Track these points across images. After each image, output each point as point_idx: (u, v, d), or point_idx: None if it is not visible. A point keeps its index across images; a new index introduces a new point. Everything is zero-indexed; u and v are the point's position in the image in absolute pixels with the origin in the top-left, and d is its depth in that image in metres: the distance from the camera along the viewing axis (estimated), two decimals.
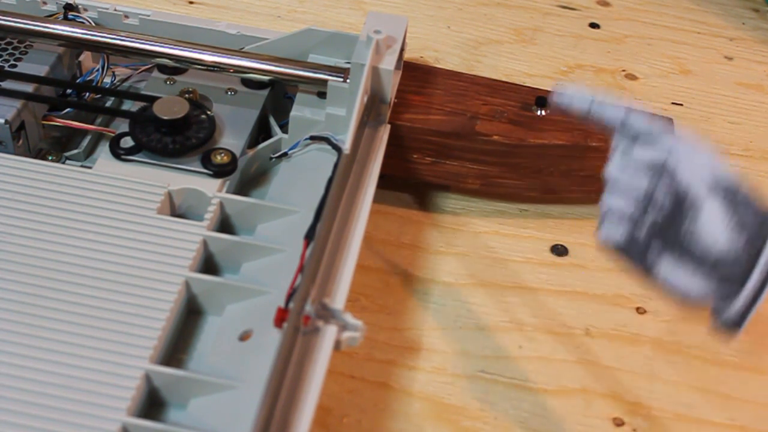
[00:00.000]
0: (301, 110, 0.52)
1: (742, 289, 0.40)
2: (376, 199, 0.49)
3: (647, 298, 0.52)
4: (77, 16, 0.55)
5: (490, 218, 0.55)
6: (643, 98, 0.63)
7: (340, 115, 0.51)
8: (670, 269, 0.42)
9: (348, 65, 0.52)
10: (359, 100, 0.49)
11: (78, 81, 0.55)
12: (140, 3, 0.66)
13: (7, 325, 0.42)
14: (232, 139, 0.52)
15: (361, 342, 0.42)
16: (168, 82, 0.54)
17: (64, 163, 0.52)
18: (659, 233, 0.42)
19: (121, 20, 0.56)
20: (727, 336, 0.41)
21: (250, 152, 0.52)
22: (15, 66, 0.53)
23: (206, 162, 0.50)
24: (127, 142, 0.51)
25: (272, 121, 0.54)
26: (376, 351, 0.48)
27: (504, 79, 0.58)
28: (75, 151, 0.52)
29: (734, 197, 0.41)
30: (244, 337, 0.44)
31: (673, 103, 0.63)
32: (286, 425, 0.38)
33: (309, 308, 0.41)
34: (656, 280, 0.42)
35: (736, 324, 0.41)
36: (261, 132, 0.54)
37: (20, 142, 0.51)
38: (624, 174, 0.43)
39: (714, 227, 0.41)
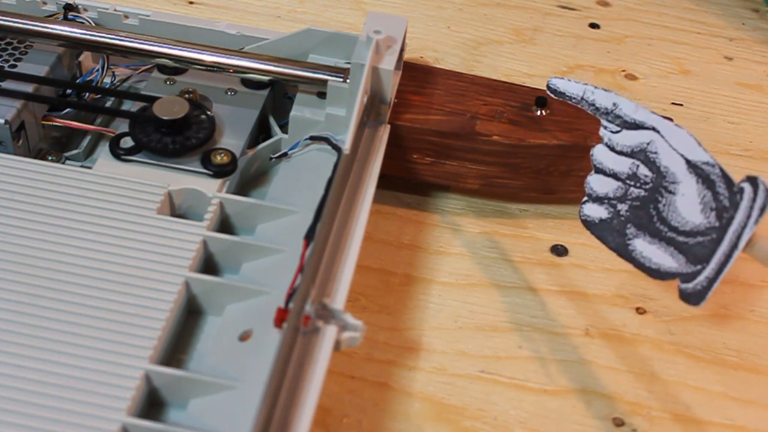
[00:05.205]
0: (301, 110, 0.52)
1: (709, 263, 0.43)
2: (376, 199, 0.49)
3: (647, 298, 0.52)
4: (77, 16, 0.55)
5: (490, 218, 0.55)
6: (643, 98, 0.63)
7: (340, 115, 0.51)
8: (646, 246, 0.45)
9: (348, 65, 0.52)
10: (359, 100, 0.49)
11: (78, 81, 0.55)
12: (140, 3, 0.66)
13: (7, 325, 0.42)
14: (232, 139, 0.52)
15: (361, 342, 0.42)
16: (168, 82, 0.54)
17: (64, 163, 0.52)
18: (637, 213, 0.45)
19: (121, 20, 0.56)
20: (691, 305, 0.43)
21: (250, 152, 0.52)
22: (15, 66, 0.53)
23: (206, 162, 0.50)
24: (127, 142, 0.51)
25: (272, 121, 0.54)
26: (376, 351, 0.48)
27: (504, 79, 0.58)
28: (75, 151, 0.52)
29: (708, 178, 0.43)
30: (244, 337, 0.44)
31: (673, 103, 0.63)
32: (286, 425, 0.38)
33: (309, 308, 0.41)
34: (632, 256, 0.45)
35: (701, 295, 0.43)
36: (261, 132, 0.54)
37: (20, 142, 0.51)
38: (608, 158, 0.46)
39: (689, 206, 0.43)
